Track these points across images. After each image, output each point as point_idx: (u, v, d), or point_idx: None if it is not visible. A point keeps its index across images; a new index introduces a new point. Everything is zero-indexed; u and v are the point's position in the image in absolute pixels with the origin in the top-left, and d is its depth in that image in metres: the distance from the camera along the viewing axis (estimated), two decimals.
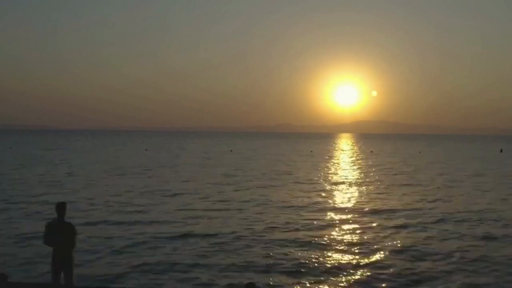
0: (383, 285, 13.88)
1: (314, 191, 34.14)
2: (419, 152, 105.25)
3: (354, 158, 78.52)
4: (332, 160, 72.13)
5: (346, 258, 16.49)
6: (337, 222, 22.85)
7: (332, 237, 19.58)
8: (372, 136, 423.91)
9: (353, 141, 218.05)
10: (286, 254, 16.68)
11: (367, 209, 26.48)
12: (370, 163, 66.03)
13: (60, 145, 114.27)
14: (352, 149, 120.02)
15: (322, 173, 48.50)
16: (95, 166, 52.23)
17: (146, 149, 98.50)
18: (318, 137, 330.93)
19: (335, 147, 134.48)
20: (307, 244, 18.19)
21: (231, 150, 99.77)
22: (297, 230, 20.77)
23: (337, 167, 57.82)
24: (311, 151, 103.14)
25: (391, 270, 15.16)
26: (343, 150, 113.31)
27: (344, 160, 72.79)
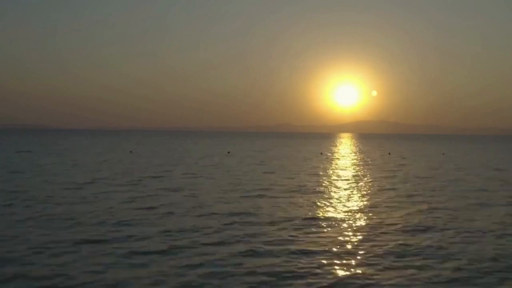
0: None
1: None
2: (443, 154, 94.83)
3: (388, 164, 66.52)
4: (367, 168, 60.49)
5: None
6: None
7: None
8: (372, 136, 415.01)
9: (356, 142, 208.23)
10: None
11: None
12: (422, 173, 54.23)
13: (46, 146, 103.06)
14: (368, 151, 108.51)
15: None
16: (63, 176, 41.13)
17: (131, 151, 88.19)
18: (319, 137, 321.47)
19: (346, 149, 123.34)
20: None
21: (228, 152, 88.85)
22: None
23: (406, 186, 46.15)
24: (321, 153, 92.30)
25: None
26: (359, 153, 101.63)
27: (385, 169, 60.83)
